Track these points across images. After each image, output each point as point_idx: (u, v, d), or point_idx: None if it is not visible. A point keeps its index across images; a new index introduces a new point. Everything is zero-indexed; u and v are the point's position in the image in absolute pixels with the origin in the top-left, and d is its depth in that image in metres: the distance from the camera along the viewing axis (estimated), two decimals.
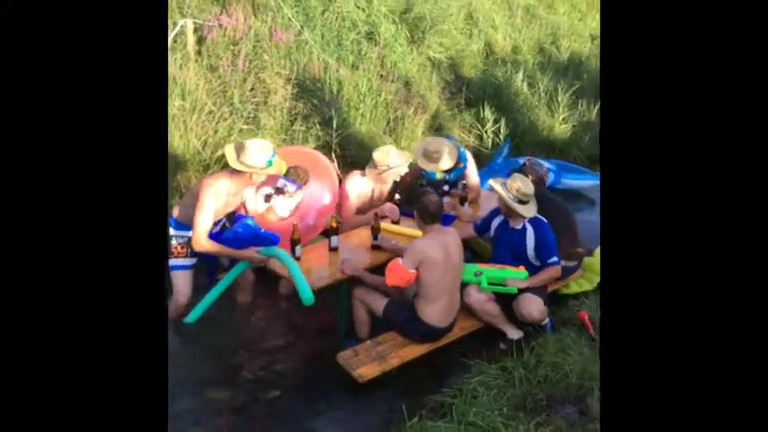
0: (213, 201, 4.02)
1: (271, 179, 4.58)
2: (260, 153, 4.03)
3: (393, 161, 4.89)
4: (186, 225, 4.10)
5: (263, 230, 4.21)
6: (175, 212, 4.22)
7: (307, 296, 3.79)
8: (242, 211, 4.51)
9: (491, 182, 4.44)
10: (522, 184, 4.28)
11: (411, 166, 5.15)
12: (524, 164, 4.99)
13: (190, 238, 4.08)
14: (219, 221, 4.25)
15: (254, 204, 4.58)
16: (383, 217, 4.87)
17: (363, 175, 5.02)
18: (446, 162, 5.06)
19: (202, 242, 4.00)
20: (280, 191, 4.70)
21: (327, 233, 4.51)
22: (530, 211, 4.31)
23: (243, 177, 4.11)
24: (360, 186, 5.02)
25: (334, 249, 4.46)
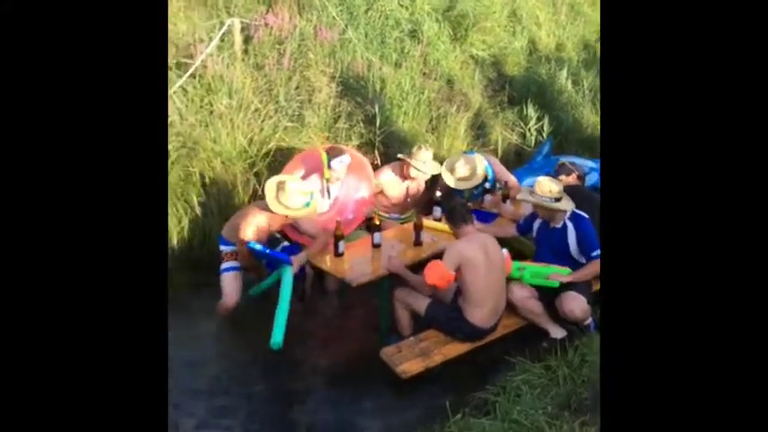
0: (251, 233, 4.29)
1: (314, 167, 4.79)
2: (299, 197, 4.23)
3: (422, 159, 4.99)
4: (230, 242, 4.43)
5: (268, 251, 4.34)
6: (224, 232, 4.56)
7: (276, 339, 3.83)
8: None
9: (519, 197, 4.46)
10: (551, 184, 4.31)
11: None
12: (559, 165, 4.97)
13: (236, 252, 4.39)
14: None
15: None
16: (426, 214, 4.93)
17: (393, 170, 5.15)
18: (462, 170, 5.05)
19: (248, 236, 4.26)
20: (326, 190, 4.82)
21: (369, 229, 4.56)
22: (569, 204, 4.30)
23: (278, 216, 4.32)
24: (394, 181, 5.13)
25: (376, 246, 4.50)
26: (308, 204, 4.28)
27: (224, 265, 4.47)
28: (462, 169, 5.05)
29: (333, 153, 4.83)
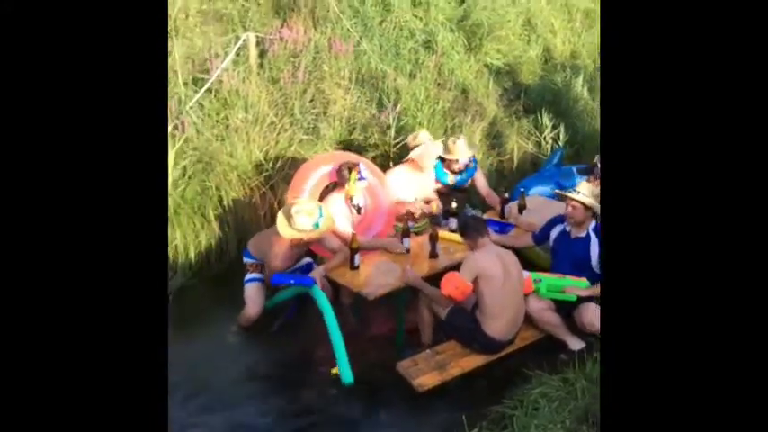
0: (279, 262, 4.38)
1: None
2: (307, 219, 4.27)
3: (422, 139, 5.19)
4: (256, 257, 4.57)
5: (292, 281, 4.38)
6: (249, 246, 4.67)
7: (347, 379, 3.80)
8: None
9: (572, 195, 4.33)
10: (593, 188, 4.35)
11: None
12: (592, 165, 4.96)
13: (260, 264, 4.53)
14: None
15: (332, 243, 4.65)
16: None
17: (407, 163, 5.27)
18: (462, 150, 5.31)
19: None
20: (358, 208, 4.88)
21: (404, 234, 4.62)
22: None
23: (299, 241, 4.38)
24: (401, 185, 5.20)
25: (406, 252, 4.56)
26: (316, 225, 4.28)
27: (247, 276, 4.59)
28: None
29: (351, 167, 4.81)
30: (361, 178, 4.73)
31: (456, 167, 5.37)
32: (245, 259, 4.64)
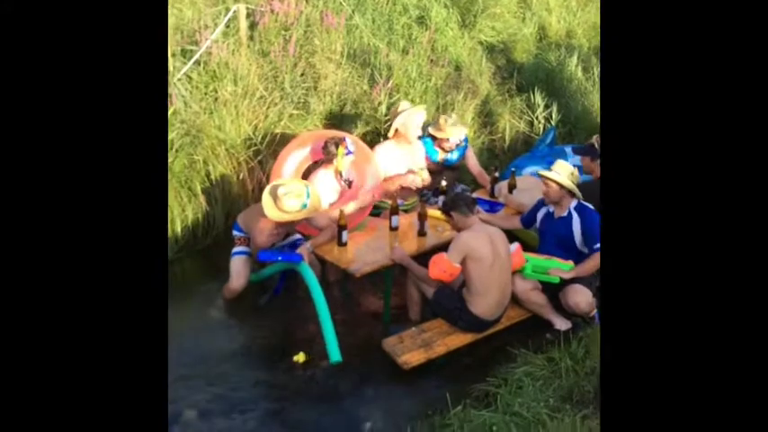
0: (264, 238, 4.33)
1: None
2: (295, 201, 4.21)
3: (403, 106, 5.16)
4: (244, 231, 4.53)
5: (279, 258, 4.34)
6: (239, 219, 4.65)
7: (334, 358, 3.78)
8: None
9: (545, 173, 4.33)
10: (572, 168, 4.31)
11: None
12: (589, 145, 4.98)
13: (249, 238, 4.48)
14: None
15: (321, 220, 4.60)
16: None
17: (394, 137, 5.20)
18: (453, 129, 5.26)
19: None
20: (349, 182, 4.84)
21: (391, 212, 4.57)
22: (578, 192, 4.31)
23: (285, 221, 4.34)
24: (390, 160, 5.13)
25: (394, 229, 4.52)
26: (304, 206, 4.24)
27: (235, 249, 4.57)
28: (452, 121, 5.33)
29: (338, 141, 4.76)
30: (348, 152, 4.68)
31: (447, 146, 5.33)
32: (235, 232, 4.61)
